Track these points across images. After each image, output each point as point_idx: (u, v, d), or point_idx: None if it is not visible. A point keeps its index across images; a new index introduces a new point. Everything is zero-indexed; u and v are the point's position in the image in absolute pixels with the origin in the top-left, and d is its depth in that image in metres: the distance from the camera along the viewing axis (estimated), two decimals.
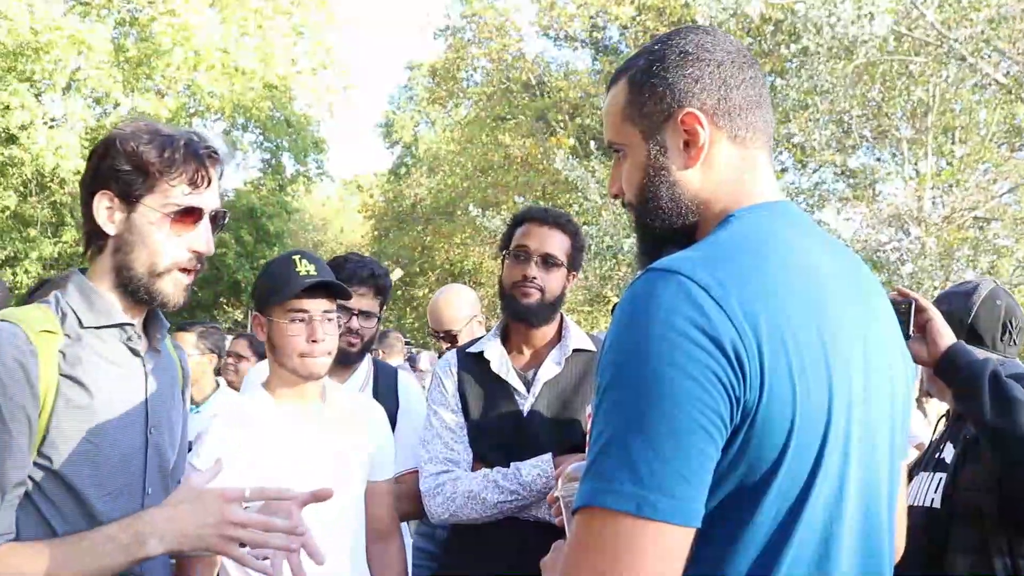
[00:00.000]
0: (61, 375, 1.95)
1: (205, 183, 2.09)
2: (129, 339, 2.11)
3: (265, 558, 2.10)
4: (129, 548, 1.89)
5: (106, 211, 2.05)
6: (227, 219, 2.21)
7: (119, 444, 2.04)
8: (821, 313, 1.39)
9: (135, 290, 2.08)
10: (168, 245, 2.06)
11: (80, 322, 2.03)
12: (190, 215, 2.08)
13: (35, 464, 1.92)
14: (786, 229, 1.49)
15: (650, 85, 1.57)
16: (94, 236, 2.10)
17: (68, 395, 1.95)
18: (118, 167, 2.03)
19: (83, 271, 2.14)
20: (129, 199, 2.04)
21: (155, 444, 2.15)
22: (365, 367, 3.63)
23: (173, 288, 2.10)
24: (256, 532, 1.97)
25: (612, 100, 1.65)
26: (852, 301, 1.48)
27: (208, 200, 2.11)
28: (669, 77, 1.56)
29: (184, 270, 2.10)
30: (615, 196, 1.68)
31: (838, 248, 1.58)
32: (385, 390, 3.58)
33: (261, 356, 6.87)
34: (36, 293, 2.90)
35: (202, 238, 2.10)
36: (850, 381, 1.40)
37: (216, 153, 2.14)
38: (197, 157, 2.08)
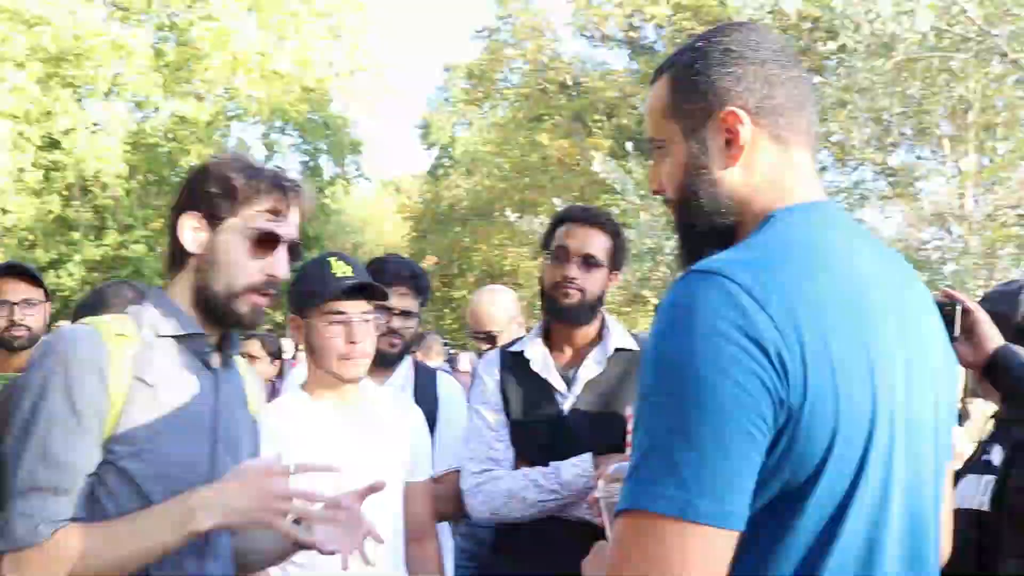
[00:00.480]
0: (134, 377, 2.04)
1: (286, 211, 2.20)
2: (203, 351, 2.20)
3: (331, 553, 2.19)
4: (180, 523, 1.96)
5: (192, 231, 2.16)
6: (302, 252, 2.32)
7: (185, 447, 2.11)
8: (863, 314, 1.38)
9: (212, 308, 2.17)
10: (246, 267, 2.16)
11: (156, 331, 2.13)
12: (269, 241, 2.17)
13: (105, 460, 2.00)
14: (827, 230, 1.48)
15: (692, 82, 1.56)
16: (177, 254, 2.20)
17: (139, 396, 2.04)
18: (208, 189, 2.15)
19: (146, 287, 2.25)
20: (214, 220, 2.15)
21: (221, 455, 2.20)
22: (405, 368, 3.64)
23: (248, 309, 2.18)
24: (301, 503, 2.05)
25: (654, 96, 1.63)
26: (895, 302, 1.46)
27: (287, 229, 2.21)
28: (712, 75, 1.54)
29: (259, 293, 2.19)
30: (655, 192, 1.67)
31: (880, 248, 1.56)
32: (425, 391, 3.59)
33: (274, 357, 6.91)
34: (86, 305, 2.96)
35: (278, 263, 2.19)
36: (893, 382, 1.39)
37: (299, 187, 2.25)
38: (281, 187, 2.19)
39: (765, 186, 1.53)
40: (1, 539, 1.92)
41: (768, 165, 1.53)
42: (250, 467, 2.04)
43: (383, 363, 3.41)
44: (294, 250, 2.24)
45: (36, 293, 4.00)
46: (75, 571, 1.91)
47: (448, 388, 3.68)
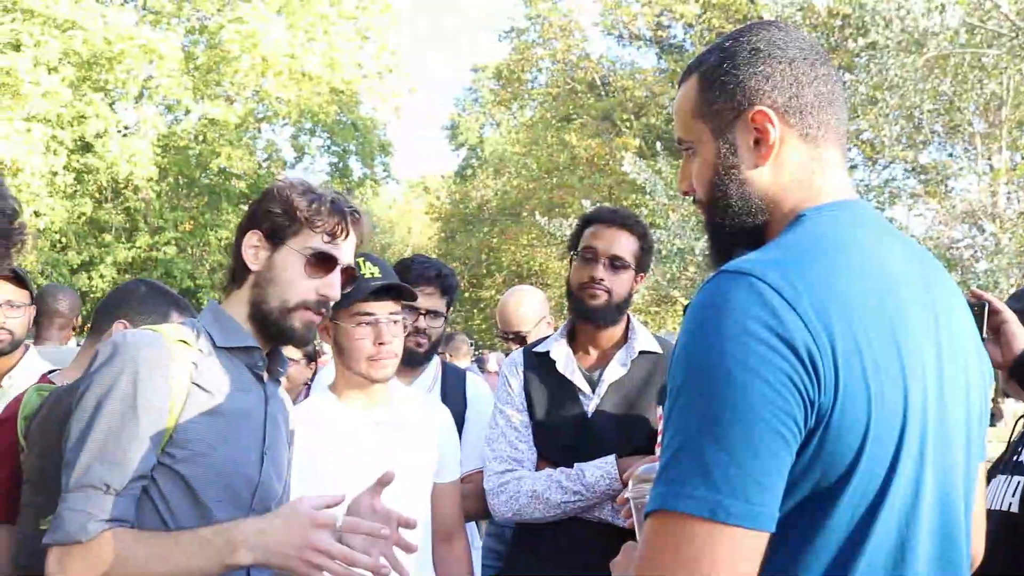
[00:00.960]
0: (192, 383, 2.11)
1: (344, 235, 2.30)
2: (256, 364, 2.28)
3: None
4: (220, 554, 1.98)
5: (253, 249, 2.27)
6: (356, 278, 2.41)
7: (237, 452, 2.17)
8: (894, 314, 1.37)
9: (267, 323, 2.26)
10: (300, 284, 2.25)
11: (214, 342, 2.21)
12: (325, 261, 2.27)
13: (159, 462, 2.06)
14: (858, 228, 1.47)
15: (720, 82, 1.56)
16: (238, 271, 2.30)
17: (197, 400, 2.11)
18: (271, 210, 2.28)
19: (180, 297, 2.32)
20: (275, 239, 2.26)
21: (266, 467, 2.26)
22: (433, 368, 3.65)
23: (301, 325, 2.27)
24: (339, 565, 2.03)
25: (683, 97, 1.63)
26: (925, 301, 1.45)
27: (343, 253, 2.31)
28: (740, 74, 1.54)
29: (311, 310, 2.27)
30: (685, 193, 1.67)
31: (911, 246, 1.55)
32: (453, 391, 3.60)
33: (310, 359, 6.94)
34: (104, 305, 2.99)
35: (332, 285, 2.28)
36: (924, 382, 1.38)
37: (358, 214, 2.34)
38: (340, 212, 2.29)
39: (794, 185, 1.53)
40: (51, 533, 1.97)
41: (797, 164, 1.53)
42: (299, 511, 2.04)
43: (410, 363, 3.42)
44: (348, 275, 2.33)
45: (21, 295, 3.87)
46: (112, 575, 1.94)
47: (476, 388, 3.69)
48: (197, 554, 1.97)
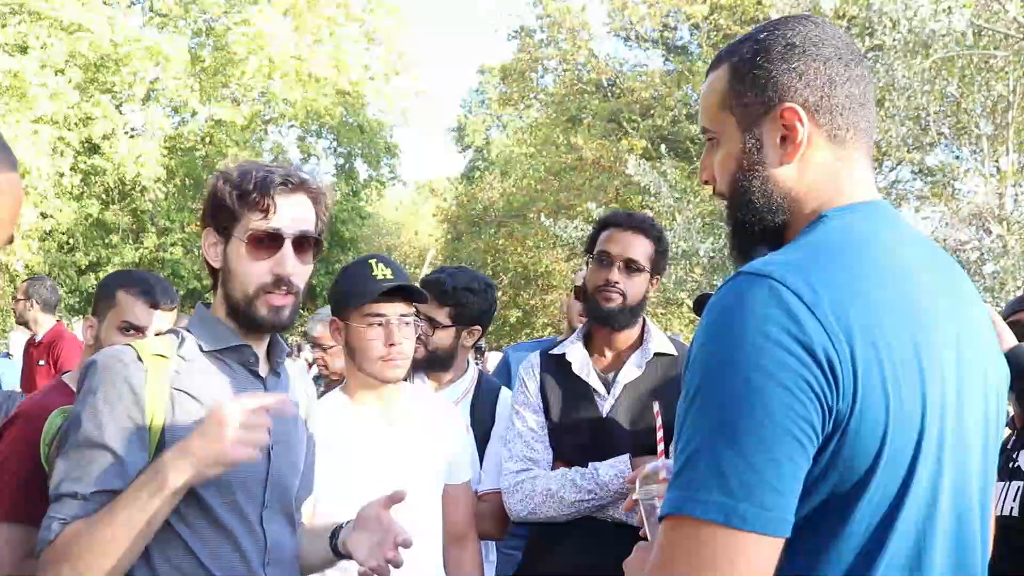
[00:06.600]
0: (176, 389, 2.10)
1: (273, 210, 2.19)
2: (248, 361, 2.25)
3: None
4: (155, 487, 1.95)
5: (212, 248, 2.24)
6: (320, 244, 2.30)
7: None
8: (914, 318, 1.36)
9: (240, 316, 2.22)
10: (252, 269, 2.19)
11: (201, 347, 2.20)
12: (267, 240, 2.19)
13: None
14: (879, 230, 1.46)
15: (752, 76, 1.53)
16: (211, 272, 2.30)
17: (184, 408, 2.10)
18: (213, 205, 2.24)
19: (207, 304, 2.32)
20: (222, 233, 2.22)
21: (276, 460, 2.24)
22: (470, 376, 3.64)
23: (266, 311, 2.20)
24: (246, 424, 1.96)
25: (711, 85, 1.60)
26: (945, 303, 1.44)
27: (285, 225, 2.20)
28: (773, 69, 1.51)
29: (273, 293, 2.19)
30: (705, 183, 1.64)
31: (931, 248, 1.54)
32: (482, 405, 3.57)
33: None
34: (95, 298, 3.01)
35: (282, 261, 2.19)
36: (943, 388, 1.37)
37: (289, 182, 2.23)
38: (264, 186, 2.18)
39: (818, 185, 1.51)
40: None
41: (822, 165, 1.51)
42: (209, 416, 1.98)
43: (437, 366, 3.50)
44: (305, 244, 2.23)
45: None
46: (85, 564, 1.93)
47: (508, 405, 3.64)
48: (139, 501, 1.94)
